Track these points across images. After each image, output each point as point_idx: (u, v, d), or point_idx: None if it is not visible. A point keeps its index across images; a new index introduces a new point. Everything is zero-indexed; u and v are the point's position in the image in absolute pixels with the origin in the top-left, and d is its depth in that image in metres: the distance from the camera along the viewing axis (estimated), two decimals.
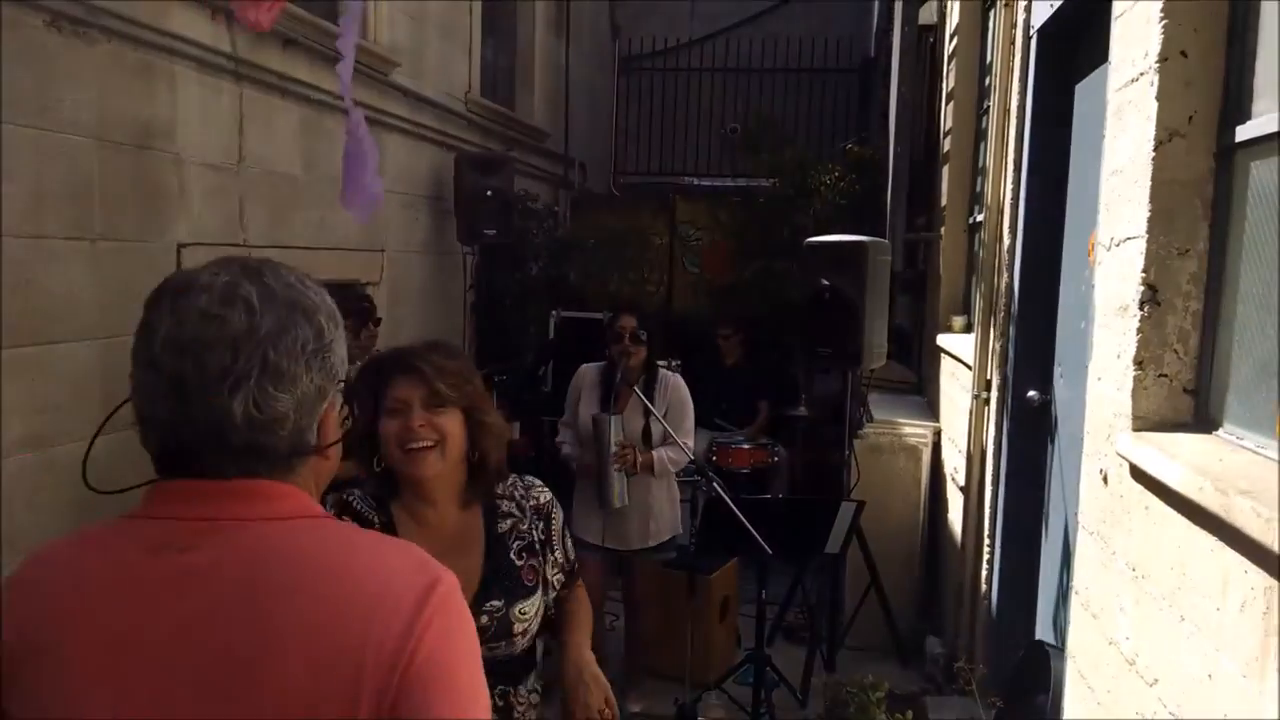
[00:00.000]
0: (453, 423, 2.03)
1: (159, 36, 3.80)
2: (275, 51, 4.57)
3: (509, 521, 2.15)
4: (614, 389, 4.19)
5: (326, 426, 1.19)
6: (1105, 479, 2.45)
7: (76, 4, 3.38)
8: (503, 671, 2.04)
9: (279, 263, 1.20)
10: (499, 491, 2.16)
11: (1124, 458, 2.27)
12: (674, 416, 4.25)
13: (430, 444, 2.01)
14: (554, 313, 7.62)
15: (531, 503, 2.20)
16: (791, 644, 5.10)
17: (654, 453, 4.22)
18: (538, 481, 2.26)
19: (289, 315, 1.13)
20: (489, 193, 6.28)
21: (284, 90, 4.67)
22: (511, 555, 2.11)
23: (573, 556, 2.28)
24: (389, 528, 2.07)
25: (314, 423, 1.16)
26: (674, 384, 4.37)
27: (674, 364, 5.39)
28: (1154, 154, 2.19)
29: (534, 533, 2.17)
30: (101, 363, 3.53)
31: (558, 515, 2.24)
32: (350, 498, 2.11)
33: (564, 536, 2.25)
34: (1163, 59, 2.17)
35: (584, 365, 4.46)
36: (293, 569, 1.08)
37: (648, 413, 4.17)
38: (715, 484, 3.85)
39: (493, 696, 1.93)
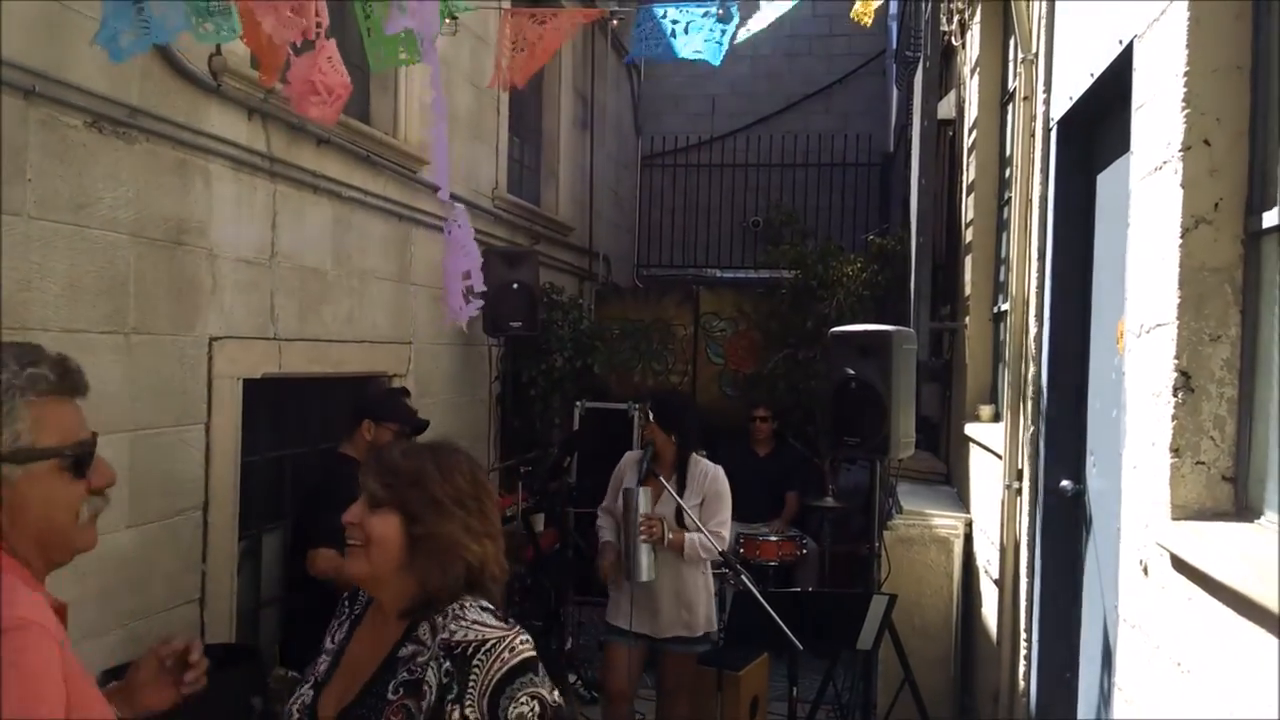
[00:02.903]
0: (385, 526, 1.80)
1: (196, 136, 3.90)
2: (309, 150, 4.68)
3: (411, 649, 1.79)
4: (646, 469, 4.25)
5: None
6: (1145, 570, 2.39)
7: (118, 105, 3.49)
8: None
9: None
10: (435, 613, 1.81)
11: (1164, 548, 2.22)
12: (709, 507, 4.26)
13: (357, 543, 1.81)
14: (579, 404, 7.63)
15: (444, 635, 1.76)
16: None
17: (686, 535, 4.20)
18: (486, 620, 1.78)
19: None
20: (515, 286, 6.34)
21: (316, 187, 4.77)
22: (388, 688, 1.75)
23: None
24: (361, 615, 1.95)
25: None
26: (713, 475, 4.39)
27: (700, 455, 5.37)
28: (1181, 241, 2.19)
29: (430, 673, 1.73)
30: (130, 455, 3.54)
31: (486, 667, 1.72)
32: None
33: (493, 700, 1.70)
34: (1186, 147, 2.19)
35: (628, 453, 4.65)
36: None
37: (679, 500, 4.18)
38: (744, 577, 3.80)
39: None
